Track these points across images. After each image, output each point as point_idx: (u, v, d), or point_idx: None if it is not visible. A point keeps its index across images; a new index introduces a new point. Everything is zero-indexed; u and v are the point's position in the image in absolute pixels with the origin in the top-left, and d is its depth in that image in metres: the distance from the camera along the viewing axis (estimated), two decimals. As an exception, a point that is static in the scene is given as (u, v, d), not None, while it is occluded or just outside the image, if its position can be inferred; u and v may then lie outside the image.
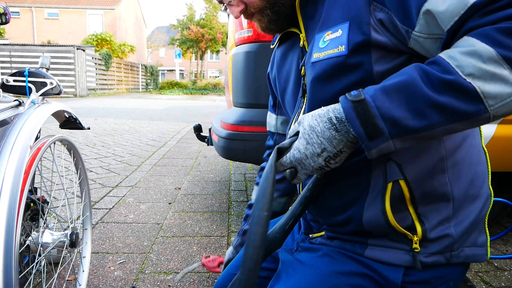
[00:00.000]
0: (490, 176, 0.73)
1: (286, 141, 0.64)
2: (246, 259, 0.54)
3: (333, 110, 0.58)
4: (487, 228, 0.72)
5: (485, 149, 0.73)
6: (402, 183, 0.65)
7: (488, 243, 0.72)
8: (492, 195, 0.73)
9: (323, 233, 0.81)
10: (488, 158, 0.73)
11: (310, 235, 0.85)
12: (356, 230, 0.72)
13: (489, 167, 0.73)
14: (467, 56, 0.50)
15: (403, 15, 0.59)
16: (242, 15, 0.78)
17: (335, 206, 0.74)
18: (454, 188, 0.67)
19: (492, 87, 0.49)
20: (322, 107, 0.61)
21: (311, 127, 0.59)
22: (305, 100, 0.76)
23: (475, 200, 0.69)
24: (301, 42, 0.78)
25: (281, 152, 0.63)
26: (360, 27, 0.63)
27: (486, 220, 0.72)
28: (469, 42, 0.51)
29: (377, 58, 0.63)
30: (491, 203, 0.72)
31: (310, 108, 0.71)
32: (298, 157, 0.61)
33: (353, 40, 0.64)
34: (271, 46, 0.96)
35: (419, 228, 0.66)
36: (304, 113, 0.75)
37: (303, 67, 0.76)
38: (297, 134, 0.63)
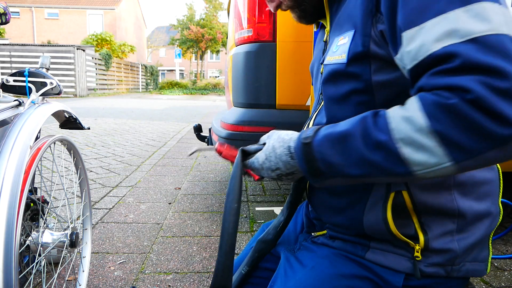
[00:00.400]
0: (501, 193, 0.71)
1: (253, 147, 0.73)
2: (223, 244, 0.66)
3: (294, 140, 0.66)
4: (490, 244, 0.72)
5: (499, 167, 0.71)
6: (405, 194, 0.65)
7: (490, 258, 0.72)
8: (502, 212, 0.71)
9: (325, 231, 0.81)
10: (501, 175, 0.71)
11: (312, 234, 0.85)
12: (358, 232, 0.72)
13: (501, 184, 0.72)
14: (403, 121, 0.53)
15: (391, 37, 0.60)
16: (278, 9, 0.85)
17: (335, 206, 0.74)
18: (460, 205, 0.65)
19: (418, 155, 0.52)
20: (290, 132, 0.69)
21: (273, 147, 0.68)
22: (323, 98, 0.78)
23: (483, 218, 0.68)
24: (325, 36, 0.81)
25: (246, 153, 0.73)
26: (362, 38, 0.63)
27: (491, 236, 0.71)
28: (411, 106, 0.53)
29: (376, 68, 0.64)
30: (500, 220, 0.71)
31: (326, 106, 0.74)
32: (256, 165, 0.71)
33: (353, 51, 0.64)
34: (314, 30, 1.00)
35: (421, 237, 0.66)
36: (322, 110, 0.78)
37: (322, 65, 0.78)
38: (264, 144, 0.72)
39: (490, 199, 0.70)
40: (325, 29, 0.81)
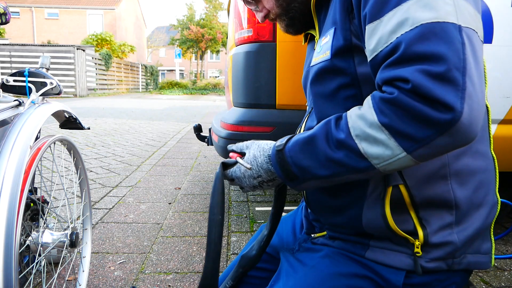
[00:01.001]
0: (497, 183, 0.71)
1: (232, 160, 0.76)
2: (209, 252, 0.69)
3: (272, 149, 0.70)
4: (492, 236, 0.71)
5: (494, 155, 0.72)
6: (402, 187, 0.65)
7: (493, 250, 0.71)
8: (499, 202, 0.71)
9: (325, 233, 0.81)
10: (496, 165, 0.72)
11: (312, 235, 0.85)
12: (357, 231, 0.72)
13: (497, 174, 0.72)
14: (358, 118, 0.57)
15: (360, 30, 0.63)
16: (266, 19, 0.87)
17: (333, 206, 0.74)
18: (457, 195, 0.66)
19: (374, 149, 0.55)
20: (269, 141, 0.73)
21: (255, 156, 0.72)
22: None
23: (480, 208, 0.68)
24: (315, 45, 0.82)
25: (226, 166, 0.76)
26: (342, 33, 0.66)
27: (492, 227, 0.71)
28: (365, 104, 0.57)
29: (360, 61, 0.66)
30: (498, 210, 0.71)
31: (316, 106, 0.75)
32: (238, 175, 0.74)
33: (335, 46, 0.67)
34: (302, 44, 1.01)
35: (420, 233, 0.66)
36: (312, 112, 0.79)
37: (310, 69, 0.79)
38: (243, 154, 0.75)
39: (486, 188, 0.69)
40: (315, 39, 0.83)
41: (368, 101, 0.57)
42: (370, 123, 0.55)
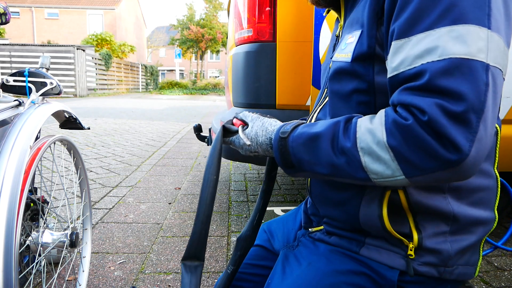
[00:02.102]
0: (497, 200, 0.72)
1: (234, 128, 0.77)
2: (200, 213, 0.67)
3: (275, 132, 0.71)
4: (481, 248, 0.73)
5: (497, 174, 0.73)
6: (400, 193, 0.66)
7: (479, 262, 0.73)
8: (497, 219, 0.72)
9: (322, 227, 0.82)
10: (499, 183, 0.72)
11: (309, 229, 0.85)
12: (354, 227, 0.72)
13: (498, 192, 0.72)
14: (367, 132, 0.57)
15: (386, 42, 0.62)
16: None
17: (334, 199, 0.75)
18: (455, 209, 0.66)
19: (375, 166, 0.57)
20: (273, 121, 0.74)
21: (256, 134, 0.73)
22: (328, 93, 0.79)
23: (477, 224, 0.69)
24: (338, 31, 0.82)
25: (227, 131, 0.77)
26: (368, 38, 0.65)
27: (483, 241, 0.72)
28: (377, 119, 0.58)
29: (379, 70, 0.65)
30: (494, 226, 0.72)
31: (331, 102, 0.75)
32: (235, 144, 0.77)
33: (358, 51, 0.66)
34: (324, 14, 1.01)
35: (415, 236, 0.67)
36: (326, 105, 0.79)
37: (331, 60, 0.79)
38: (246, 124, 0.76)
39: (485, 206, 0.70)
40: (339, 24, 0.83)
41: (381, 117, 0.57)
42: (377, 140, 0.56)
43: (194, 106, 11.95)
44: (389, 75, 0.59)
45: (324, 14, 1.01)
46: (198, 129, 2.59)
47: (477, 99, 0.50)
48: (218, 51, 30.21)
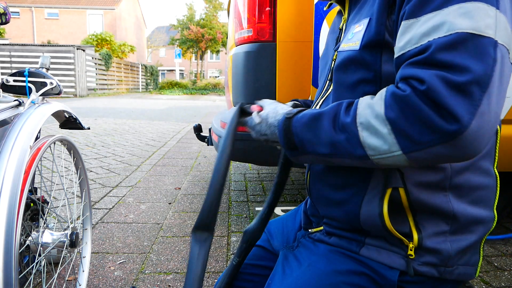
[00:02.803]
0: (496, 199, 0.72)
1: (251, 108, 0.80)
2: (213, 182, 0.67)
3: (283, 114, 0.70)
4: (481, 249, 0.72)
5: (497, 174, 0.72)
6: (401, 191, 0.65)
7: (480, 263, 0.72)
8: (496, 218, 0.72)
9: (321, 228, 0.82)
10: (498, 183, 0.72)
11: (309, 230, 0.85)
12: (354, 227, 0.72)
13: (498, 192, 0.72)
14: (367, 107, 0.57)
15: (396, 27, 0.62)
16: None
17: (334, 199, 0.75)
18: (455, 208, 0.66)
19: (373, 140, 0.55)
20: (286, 106, 0.76)
21: (267, 115, 0.74)
22: (331, 85, 0.79)
23: (477, 223, 0.69)
24: (341, 24, 0.82)
25: (243, 111, 0.81)
26: (377, 26, 0.64)
27: (483, 241, 0.72)
28: (378, 95, 0.57)
29: (387, 59, 0.65)
30: (493, 226, 0.72)
31: (335, 92, 0.75)
32: (250, 125, 0.78)
33: (367, 37, 0.66)
34: (325, 8, 1.02)
35: (415, 236, 0.66)
36: (330, 95, 0.79)
37: (336, 52, 0.79)
38: (261, 108, 0.78)
39: (485, 205, 0.70)
40: (342, 17, 0.83)
41: (381, 92, 0.57)
42: (376, 114, 0.55)
43: (194, 106, 11.95)
44: (396, 55, 0.59)
45: (325, 9, 1.01)
46: (198, 129, 2.59)
47: (483, 72, 0.49)
48: (218, 51, 30.21)
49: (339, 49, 0.74)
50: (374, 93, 0.66)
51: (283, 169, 0.84)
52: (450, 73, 0.49)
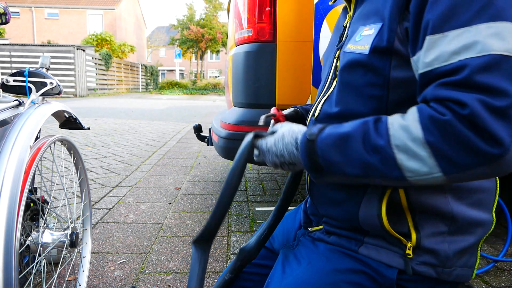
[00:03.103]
0: (496, 203, 0.72)
1: (265, 134, 0.76)
2: (221, 202, 0.71)
3: (301, 133, 0.69)
4: (479, 251, 0.73)
5: (497, 177, 0.73)
6: (401, 192, 0.66)
7: (477, 264, 0.73)
8: (494, 221, 0.72)
9: (321, 227, 0.82)
10: (498, 186, 0.72)
11: (309, 229, 0.86)
12: (353, 226, 0.73)
13: (497, 195, 0.72)
14: (401, 129, 0.56)
15: (413, 38, 0.61)
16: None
17: (333, 198, 0.75)
18: (454, 209, 0.66)
19: (411, 163, 0.55)
20: (301, 125, 0.73)
21: (283, 135, 0.71)
22: (334, 83, 0.78)
23: (476, 225, 0.69)
24: (346, 21, 0.81)
25: (258, 136, 0.76)
26: (388, 33, 0.64)
27: (481, 243, 0.72)
28: (410, 116, 0.56)
29: (396, 65, 0.64)
30: (492, 228, 0.72)
31: (339, 92, 0.74)
32: (263, 148, 0.73)
33: (377, 44, 0.65)
34: (330, 3, 1.01)
35: (414, 235, 0.67)
36: (333, 94, 0.78)
37: (339, 51, 0.78)
38: (273, 133, 0.74)
39: (484, 207, 0.70)
40: (347, 14, 0.82)
41: (413, 114, 0.56)
42: (413, 137, 0.54)
43: (194, 106, 11.95)
44: (421, 70, 0.58)
45: (330, 3, 1.00)
46: (198, 129, 2.59)
47: None
48: (218, 51, 30.21)
49: (345, 50, 0.73)
50: (380, 97, 0.66)
51: (287, 195, 0.85)
52: (490, 97, 0.50)
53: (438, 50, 0.55)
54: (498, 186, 0.73)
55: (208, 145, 2.41)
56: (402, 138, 0.55)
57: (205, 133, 2.58)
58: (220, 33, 27.59)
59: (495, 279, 1.56)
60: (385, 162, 0.57)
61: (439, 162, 0.53)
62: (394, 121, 0.57)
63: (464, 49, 0.53)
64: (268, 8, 1.66)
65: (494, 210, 0.72)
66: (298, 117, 0.95)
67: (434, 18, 0.56)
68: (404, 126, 0.55)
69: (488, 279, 1.56)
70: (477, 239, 0.70)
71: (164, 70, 41.87)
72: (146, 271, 1.58)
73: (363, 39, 0.69)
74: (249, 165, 3.56)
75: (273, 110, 0.84)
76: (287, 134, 0.70)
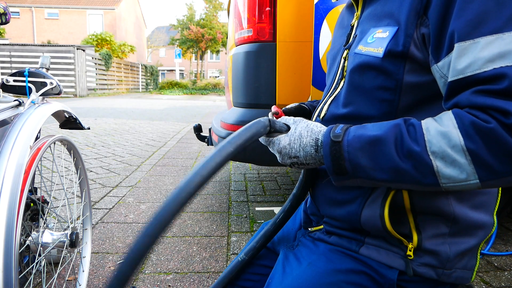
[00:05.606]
0: (497, 205, 0.73)
1: (278, 125, 0.68)
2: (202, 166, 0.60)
3: (323, 134, 0.64)
4: (479, 253, 0.73)
5: None
6: (404, 193, 0.66)
7: (476, 267, 0.73)
8: (496, 224, 0.72)
9: (321, 227, 0.82)
10: (500, 189, 0.73)
11: (309, 229, 0.86)
12: (354, 227, 0.73)
13: (499, 197, 0.73)
14: (439, 135, 0.54)
15: (436, 44, 0.60)
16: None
17: (336, 199, 0.75)
18: (456, 211, 0.66)
19: (449, 170, 0.54)
20: (319, 124, 0.67)
21: (300, 134, 0.66)
22: (342, 83, 0.77)
23: (477, 228, 0.69)
24: (353, 21, 0.80)
25: (270, 125, 0.66)
26: (404, 37, 0.63)
27: (481, 246, 0.73)
28: (447, 122, 0.55)
29: (410, 69, 0.64)
30: (492, 231, 0.72)
31: (347, 93, 0.73)
32: (276, 147, 0.68)
33: (391, 48, 0.64)
34: (332, 0, 0.98)
35: (415, 237, 0.67)
36: (340, 95, 0.76)
37: (347, 51, 0.77)
38: (288, 128, 0.68)
39: (485, 209, 0.70)
40: (355, 13, 0.81)
41: (451, 119, 0.55)
42: (453, 144, 0.53)
43: (194, 106, 11.95)
44: (452, 77, 0.57)
45: (333, 0, 0.99)
46: (198, 129, 2.59)
47: None
48: (218, 51, 30.21)
49: (356, 51, 0.72)
50: (392, 101, 0.66)
51: (304, 184, 0.81)
52: None
53: (470, 57, 0.55)
54: (500, 189, 0.72)
55: (208, 145, 2.41)
56: (440, 145, 0.54)
57: (205, 133, 2.58)
58: (220, 33, 27.59)
59: (495, 279, 1.56)
60: (419, 168, 0.55)
61: (477, 169, 0.52)
62: (430, 127, 0.56)
63: (499, 57, 0.52)
64: (268, 8, 1.66)
65: (495, 212, 0.72)
66: (305, 113, 0.93)
67: (463, 25, 0.56)
68: (443, 133, 0.54)
69: (488, 279, 1.56)
70: (478, 241, 0.70)
71: (164, 70, 41.88)
72: (146, 271, 1.58)
73: (376, 42, 0.67)
74: (249, 165, 3.56)
75: (274, 109, 0.81)
76: (305, 134, 0.65)
